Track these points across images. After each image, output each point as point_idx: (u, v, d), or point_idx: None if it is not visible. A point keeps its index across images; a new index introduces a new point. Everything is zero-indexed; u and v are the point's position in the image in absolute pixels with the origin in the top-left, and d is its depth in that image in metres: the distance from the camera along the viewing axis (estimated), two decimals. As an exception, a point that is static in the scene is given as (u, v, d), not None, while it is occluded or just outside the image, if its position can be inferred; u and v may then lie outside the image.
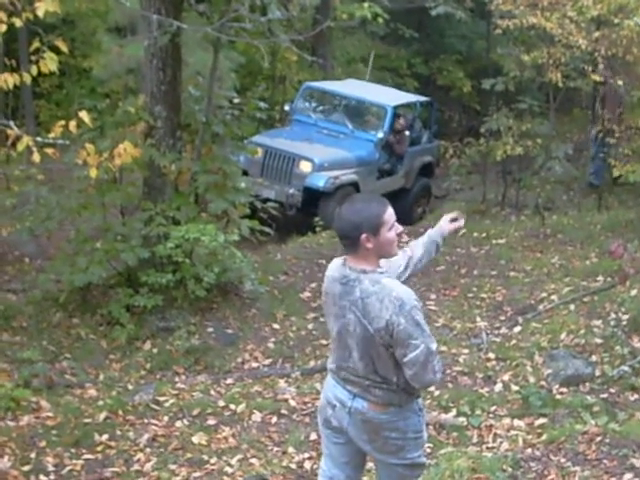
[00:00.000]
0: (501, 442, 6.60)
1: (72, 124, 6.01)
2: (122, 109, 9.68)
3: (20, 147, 5.79)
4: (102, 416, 7.17)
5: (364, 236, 4.13)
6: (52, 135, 6.02)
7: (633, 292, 8.90)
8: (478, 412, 7.13)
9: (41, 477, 6.33)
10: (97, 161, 6.81)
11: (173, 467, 6.46)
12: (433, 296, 10.22)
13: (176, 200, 9.43)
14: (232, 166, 9.88)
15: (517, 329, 8.96)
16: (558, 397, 7.32)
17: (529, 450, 6.21)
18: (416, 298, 4.18)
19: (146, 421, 7.19)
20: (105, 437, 6.87)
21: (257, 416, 7.26)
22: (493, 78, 14.24)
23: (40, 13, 5.68)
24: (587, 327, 8.58)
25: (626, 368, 7.56)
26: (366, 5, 16.06)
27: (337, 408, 4.41)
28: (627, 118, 13.42)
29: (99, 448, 6.74)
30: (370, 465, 5.08)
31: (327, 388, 4.51)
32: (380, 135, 14.22)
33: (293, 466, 6.44)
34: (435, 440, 6.62)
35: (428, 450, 6.15)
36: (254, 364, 8.64)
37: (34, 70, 5.86)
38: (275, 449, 6.74)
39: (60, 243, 10.15)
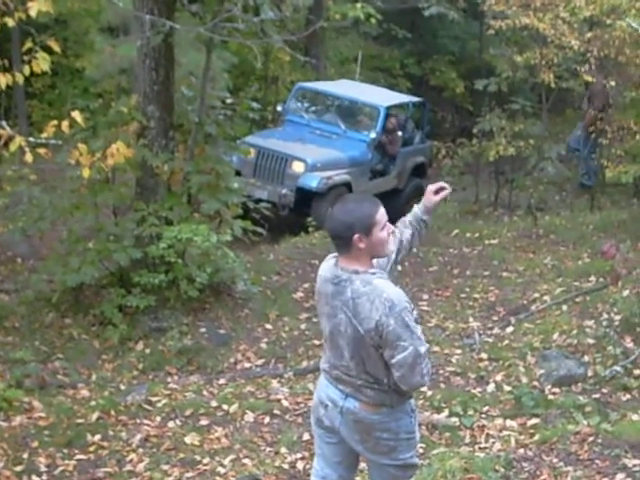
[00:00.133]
0: (493, 442, 6.61)
1: (65, 124, 6.01)
2: (115, 109, 9.67)
3: (12, 147, 5.79)
4: (94, 416, 7.17)
5: (356, 236, 4.13)
6: (44, 135, 6.02)
7: (625, 292, 8.91)
8: (470, 412, 7.14)
9: (33, 477, 6.33)
10: (90, 161, 6.81)
11: (166, 467, 6.46)
12: (426, 296, 10.23)
13: (169, 200, 9.42)
14: (225, 166, 9.88)
15: (510, 329, 8.97)
16: (550, 397, 7.33)
17: (521, 450, 6.21)
18: (407, 300, 4.18)
19: (138, 421, 7.19)
20: (97, 437, 6.87)
21: (250, 416, 7.26)
22: (486, 79, 14.26)
23: (33, 13, 5.67)
24: (579, 327, 8.59)
25: (618, 368, 7.57)
26: (359, 5, 16.05)
27: (329, 408, 4.41)
28: (619, 119, 13.44)
29: (91, 448, 6.74)
30: (363, 465, 5.08)
31: (320, 388, 4.51)
32: (373, 135, 14.21)
33: (286, 466, 6.44)
34: (427, 440, 6.62)
35: (420, 450, 6.15)
36: (247, 364, 8.63)
37: (26, 70, 5.85)
38: (268, 449, 6.74)
39: (52, 243, 10.14)
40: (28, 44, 5.82)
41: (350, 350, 4.24)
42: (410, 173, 15.24)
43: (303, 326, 9.35)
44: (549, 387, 7.56)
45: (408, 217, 4.69)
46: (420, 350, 4.15)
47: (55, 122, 6.08)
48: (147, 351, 8.72)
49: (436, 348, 8.47)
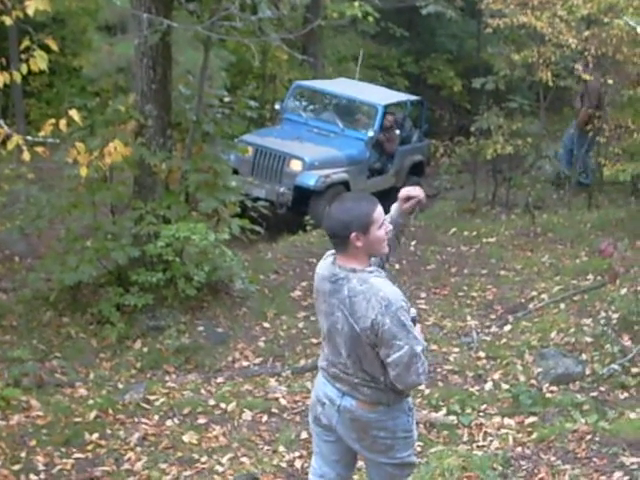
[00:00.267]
0: (491, 441, 6.61)
1: (62, 123, 6.01)
2: (112, 108, 9.67)
3: (10, 146, 5.79)
4: (92, 415, 7.17)
5: (354, 235, 4.13)
6: (42, 134, 6.02)
7: (623, 291, 8.92)
8: (468, 411, 7.14)
9: (31, 476, 6.33)
10: (87, 160, 6.81)
11: (164, 466, 6.46)
12: (423, 295, 10.23)
13: (166, 199, 9.42)
14: (222, 165, 9.87)
15: (507, 328, 8.97)
16: (548, 396, 7.34)
17: (519, 448, 6.22)
18: (404, 299, 4.18)
19: (136, 420, 7.19)
20: (95, 436, 6.86)
21: (248, 415, 7.26)
22: (483, 77, 14.24)
23: (30, 11, 5.67)
24: (577, 326, 8.59)
25: (616, 366, 7.57)
26: (357, 4, 16.12)
27: (326, 406, 4.41)
28: (617, 117, 13.44)
29: (89, 447, 6.73)
30: (361, 464, 5.09)
31: (317, 386, 4.52)
32: (371, 134, 14.22)
33: (284, 465, 6.44)
34: (425, 439, 6.63)
35: (418, 449, 6.15)
36: (244, 363, 8.63)
37: (24, 69, 5.85)
38: (266, 448, 6.74)
39: (50, 242, 10.14)
40: (26, 43, 5.82)
41: (347, 348, 4.24)
42: (408, 171, 15.25)
43: (301, 324, 9.35)
44: (547, 385, 7.56)
45: (388, 217, 4.52)
46: (416, 349, 4.15)
47: (53, 121, 6.09)
48: (145, 350, 8.72)
49: (434, 346, 8.47)
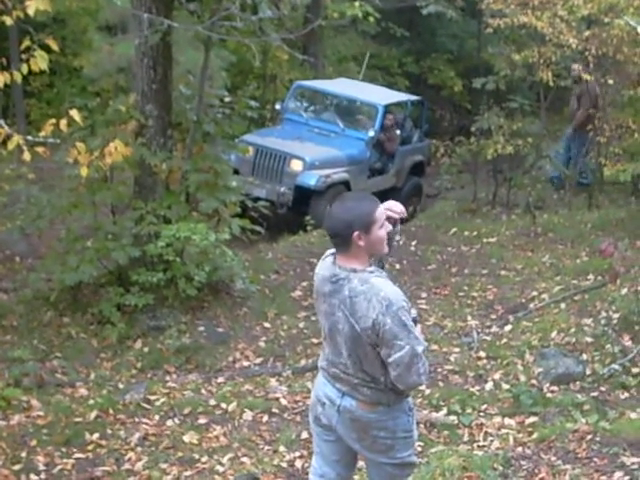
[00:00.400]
0: (492, 441, 6.61)
1: (63, 123, 6.01)
2: (113, 108, 9.67)
3: (11, 146, 5.79)
4: (93, 415, 7.17)
5: (356, 234, 4.13)
6: (43, 134, 6.02)
7: (623, 291, 8.92)
8: (469, 411, 7.14)
9: (32, 476, 6.32)
10: (88, 160, 6.82)
11: (164, 466, 6.46)
12: (424, 295, 10.23)
13: (167, 199, 9.42)
14: (223, 165, 9.87)
15: (508, 328, 8.97)
16: (549, 396, 7.34)
17: (520, 448, 6.22)
18: (404, 299, 4.17)
19: (137, 420, 7.19)
20: (96, 436, 6.86)
21: (248, 415, 7.26)
22: (484, 77, 14.26)
23: (31, 11, 5.67)
24: (578, 326, 8.59)
25: (616, 366, 7.57)
26: (357, 4, 16.14)
27: (327, 406, 4.41)
28: (617, 117, 13.44)
29: (90, 447, 6.73)
30: (361, 464, 5.08)
31: (317, 386, 4.52)
32: (371, 134, 14.22)
33: (284, 465, 6.44)
34: (426, 439, 6.63)
35: (419, 449, 6.15)
36: (245, 363, 8.63)
37: (25, 69, 5.85)
38: (266, 448, 6.74)
39: (51, 242, 10.14)
40: (26, 43, 5.82)
41: (347, 348, 4.24)
42: (408, 172, 15.24)
43: (301, 324, 9.36)
44: (547, 385, 7.56)
45: None
46: (417, 349, 4.15)
47: (53, 121, 6.09)
48: (145, 350, 8.72)
49: (434, 346, 8.47)
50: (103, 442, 6.79)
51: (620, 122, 13.37)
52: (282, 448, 6.67)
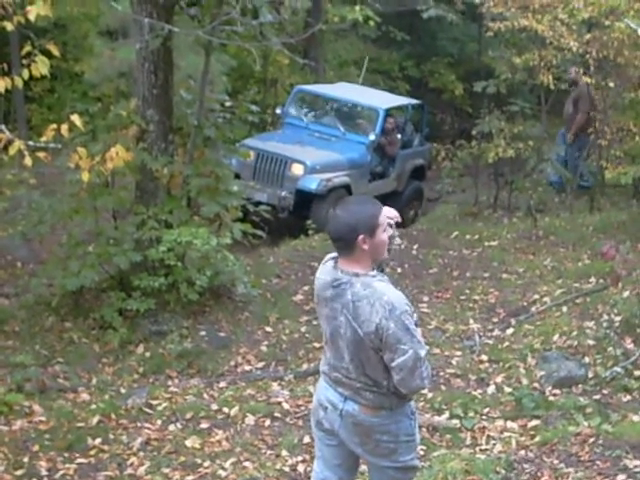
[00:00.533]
0: (494, 444, 6.61)
1: (64, 128, 6.02)
2: (114, 113, 9.67)
3: (12, 151, 5.80)
4: (95, 420, 7.17)
5: (361, 237, 4.12)
6: (44, 139, 6.04)
7: (625, 293, 8.92)
8: (471, 414, 7.14)
9: (34, 481, 6.33)
10: (89, 165, 6.83)
11: (166, 471, 6.46)
12: (426, 298, 10.22)
13: (168, 204, 9.42)
14: (224, 169, 9.87)
15: (510, 331, 8.97)
16: (551, 399, 7.33)
17: (522, 452, 6.22)
18: (407, 303, 4.17)
19: (139, 425, 7.18)
20: (98, 441, 6.86)
21: (250, 419, 7.26)
22: (485, 81, 14.26)
23: (32, 17, 5.69)
24: (580, 329, 8.59)
25: (619, 369, 7.57)
26: (358, 8, 16.13)
27: (329, 410, 4.41)
28: (618, 120, 13.45)
29: (92, 452, 6.73)
30: (363, 468, 5.08)
31: (319, 390, 4.51)
32: (372, 138, 14.21)
33: (286, 469, 6.43)
34: (428, 442, 6.62)
35: (421, 452, 6.15)
36: (247, 367, 8.63)
37: (26, 74, 5.87)
38: (268, 452, 6.74)
39: (52, 247, 10.13)
40: (27, 48, 5.83)
41: (350, 352, 4.24)
42: (409, 175, 15.23)
43: (303, 329, 9.35)
44: (549, 388, 7.56)
45: None
46: (420, 353, 4.15)
47: (54, 126, 6.10)
48: (147, 354, 8.71)
49: (436, 350, 8.47)
50: (105, 447, 6.79)
51: (621, 125, 13.39)
52: (284, 452, 6.67)
